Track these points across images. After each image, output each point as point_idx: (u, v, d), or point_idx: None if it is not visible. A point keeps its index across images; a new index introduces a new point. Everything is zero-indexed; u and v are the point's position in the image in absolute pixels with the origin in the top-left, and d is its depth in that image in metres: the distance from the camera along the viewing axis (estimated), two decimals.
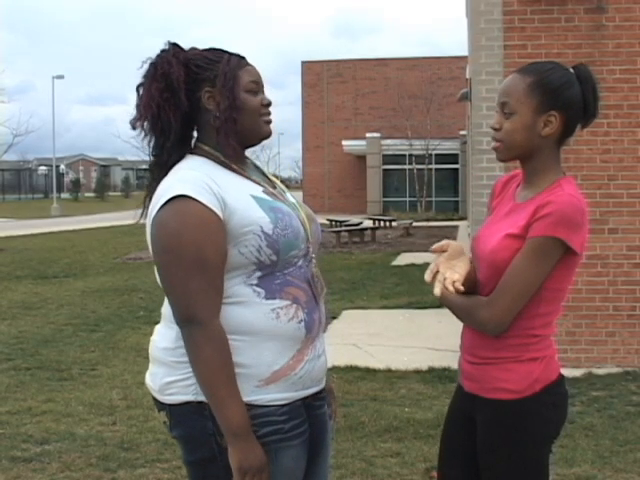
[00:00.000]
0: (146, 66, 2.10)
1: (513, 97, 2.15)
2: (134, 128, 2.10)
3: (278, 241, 2.00)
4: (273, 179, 2.25)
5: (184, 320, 1.97)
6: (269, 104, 2.15)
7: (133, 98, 2.13)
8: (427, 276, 2.19)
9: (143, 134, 2.10)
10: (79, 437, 4.97)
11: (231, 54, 2.13)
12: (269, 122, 2.15)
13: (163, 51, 2.10)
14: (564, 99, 2.14)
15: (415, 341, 7.85)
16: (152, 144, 2.12)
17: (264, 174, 2.24)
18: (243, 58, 2.15)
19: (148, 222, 2.04)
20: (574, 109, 2.15)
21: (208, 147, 2.12)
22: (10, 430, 5.13)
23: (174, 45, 2.12)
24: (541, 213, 2.07)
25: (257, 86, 2.13)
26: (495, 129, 2.20)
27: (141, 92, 2.09)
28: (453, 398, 2.40)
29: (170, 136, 2.08)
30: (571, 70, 2.18)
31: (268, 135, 2.16)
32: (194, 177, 2.00)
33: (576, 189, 2.14)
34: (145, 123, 2.09)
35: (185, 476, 4.44)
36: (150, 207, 2.04)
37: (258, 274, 2.02)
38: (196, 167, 2.05)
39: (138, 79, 2.11)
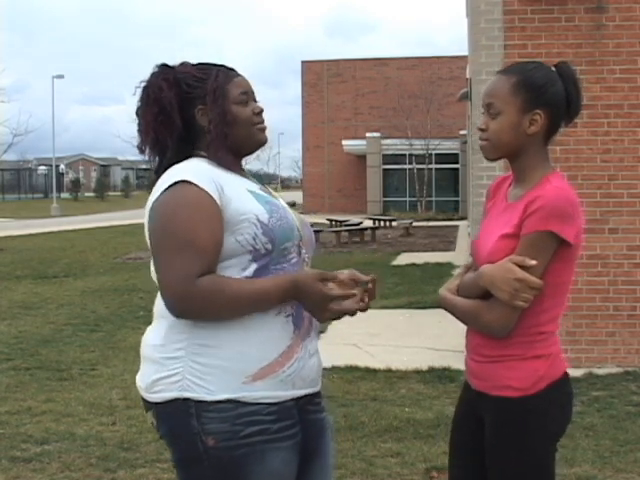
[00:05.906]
0: (139, 91, 2.17)
1: (498, 97, 2.18)
2: (142, 152, 2.19)
3: (273, 230, 2.04)
4: (269, 189, 2.29)
5: (172, 297, 1.97)
6: (261, 112, 2.20)
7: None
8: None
9: (149, 156, 2.19)
10: (79, 437, 4.96)
11: (219, 68, 2.19)
12: (263, 129, 2.21)
13: (153, 74, 2.17)
14: (548, 97, 2.16)
15: (415, 341, 7.85)
16: (154, 163, 2.20)
17: (260, 183, 2.29)
18: (231, 70, 2.21)
19: (147, 209, 2.08)
20: (558, 106, 2.18)
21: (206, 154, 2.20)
22: (10, 430, 5.12)
23: (163, 66, 2.18)
24: (531, 209, 2.08)
25: (247, 96, 2.18)
26: (482, 130, 2.22)
27: (139, 117, 2.16)
28: (460, 398, 2.40)
29: (168, 155, 2.16)
30: (553, 69, 2.21)
31: (263, 142, 2.23)
32: (194, 166, 2.08)
33: (564, 182, 2.16)
34: (147, 146, 2.18)
35: None
36: (150, 196, 2.09)
37: (254, 267, 2.04)
38: (196, 163, 2.12)
39: (135, 105, 2.18)
